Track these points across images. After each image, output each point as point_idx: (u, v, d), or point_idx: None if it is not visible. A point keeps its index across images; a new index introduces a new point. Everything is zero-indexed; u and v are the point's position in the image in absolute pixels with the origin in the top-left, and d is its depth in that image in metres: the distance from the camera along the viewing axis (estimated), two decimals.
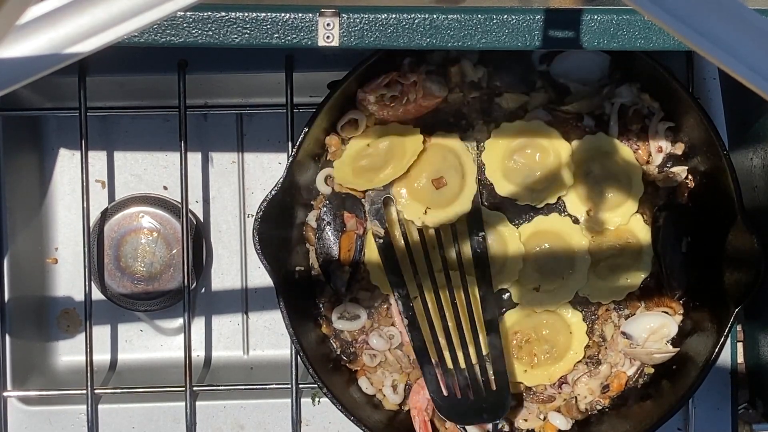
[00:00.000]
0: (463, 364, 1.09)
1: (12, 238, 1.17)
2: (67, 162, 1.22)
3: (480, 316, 1.10)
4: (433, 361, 1.09)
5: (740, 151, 1.15)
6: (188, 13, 0.92)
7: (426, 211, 1.11)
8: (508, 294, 1.13)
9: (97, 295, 1.19)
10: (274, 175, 1.21)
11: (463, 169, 1.11)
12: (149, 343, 1.24)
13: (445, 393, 1.08)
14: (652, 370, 1.14)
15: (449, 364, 1.09)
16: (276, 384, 1.17)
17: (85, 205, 1.14)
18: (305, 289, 1.13)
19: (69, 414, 1.17)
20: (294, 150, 1.06)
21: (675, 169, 1.12)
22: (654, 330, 1.12)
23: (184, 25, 0.92)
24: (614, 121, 1.12)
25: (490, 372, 1.09)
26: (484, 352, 1.09)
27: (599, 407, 1.14)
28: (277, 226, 1.07)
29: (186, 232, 1.14)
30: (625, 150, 1.12)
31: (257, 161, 1.23)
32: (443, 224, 1.11)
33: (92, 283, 1.17)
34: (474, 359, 1.09)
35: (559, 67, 1.11)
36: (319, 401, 1.17)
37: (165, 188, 1.22)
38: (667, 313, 1.13)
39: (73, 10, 0.61)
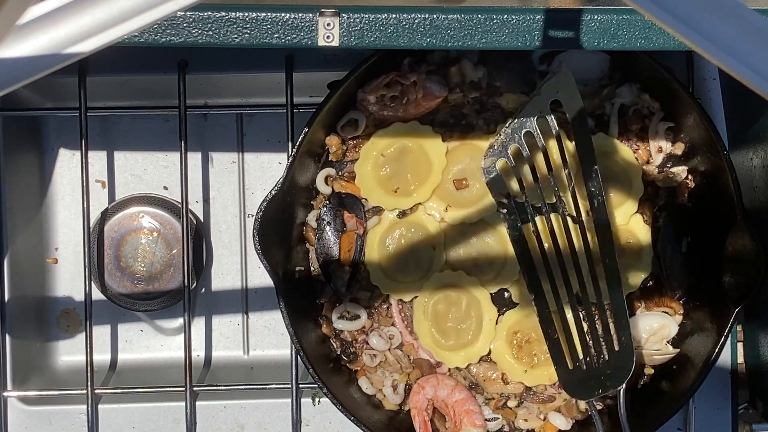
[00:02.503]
0: (586, 329, 1.07)
1: (12, 238, 1.17)
2: (67, 162, 1.22)
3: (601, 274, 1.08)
4: (559, 333, 1.07)
5: (740, 151, 1.15)
6: (188, 13, 0.92)
7: (447, 209, 1.12)
8: (508, 294, 1.13)
9: (97, 295, 1.19)
10: (274, 175, 1.22)
11: None
12: (149, 343, 1.24)
13: (570, 366, 1.07)
14: (652, 371, 1.14)
15: (574, 333, 1.07)
16: (276, 384, 1.17)
17: (85, 205, 1.14)
18: (305, 289, 1.13)
19: (69, 414, 1.17)
20: (294, 150, 1.06)
21: (675, 169, 1.12)
22: (654, 330, 1.12)
23: (184, 25, 0.92)
24: (614, 121, 1.12)
25: (613, 332, 1.06)
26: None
27: (599, 407, 1.14)
28: (277, 226, 1.07)
29: (186, 232, 1.14)
30: (625, 150, 1.12)
31: (257, 161, 1.23)
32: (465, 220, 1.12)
33: (92, 283, 1.17)
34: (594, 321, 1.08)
35: (559, 68, 1.11)
36: (319, 401, 1.17)
37: (165, 188, 1.22)
38: (667, 313, 1.13)
39: (73, 10, 0.61)
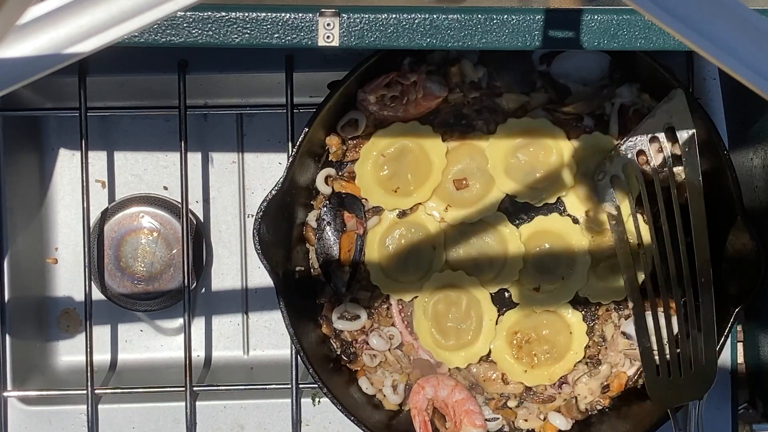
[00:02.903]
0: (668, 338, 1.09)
1: (12, 238, 1.17)
2: (67, 162, 1.22)
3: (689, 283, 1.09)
4: (651, 343, 1.09)
5: (740, 151, 1.15)
6: (188, 13, 0.92)
7: (447, 209, 1.12)
8: (508, 294, 1.13)
9: (97, 295, 1.19)
10: (274, 175, 1.22)
11: (491, 172, 1.11)
12: (149, 343, 1.24)
13: (658, 373, 1.08)
14: None
15: (665, 343, 1.09)
16: (276, 384, 1.17)
17: (85, 205, 1.14)
18: (305, 289, 1.13)
19: (69, 414, 1.17)
20: (294, 150, 1.06)
21: (675, 169, 1.12)
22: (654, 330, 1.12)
23: (184, 25, 0.92)
24: (614, 121, 1.12)
25: (700, 344, 1.07)
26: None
27: (599, 407, 1.14)
28: (277, 226, 1.07)
29: (186, 232, 1.14)
30: None
31: (257, 161, 1.23)
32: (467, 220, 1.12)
33: (92, 283, 1.17)
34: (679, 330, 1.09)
35: (559, 68, 1.11)
36: (319, 401, 1.17)
37: (165, 188, 1.22)
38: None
39: (73, 10, 0.61)
